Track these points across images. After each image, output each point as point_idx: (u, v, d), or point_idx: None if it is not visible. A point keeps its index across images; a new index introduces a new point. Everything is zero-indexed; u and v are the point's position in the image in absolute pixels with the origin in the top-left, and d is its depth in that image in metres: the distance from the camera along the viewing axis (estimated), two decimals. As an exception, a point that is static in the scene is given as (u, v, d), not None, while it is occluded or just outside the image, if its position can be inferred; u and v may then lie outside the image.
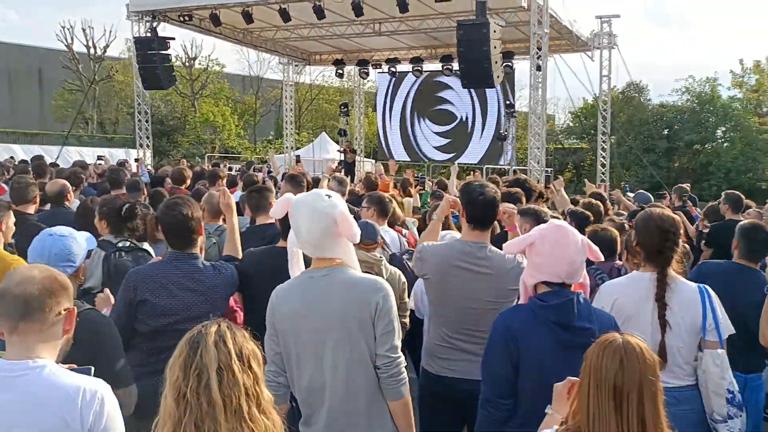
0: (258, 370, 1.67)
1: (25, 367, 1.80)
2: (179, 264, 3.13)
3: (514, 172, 16.40)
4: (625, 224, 5.28)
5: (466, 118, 23.20)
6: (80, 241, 2.74)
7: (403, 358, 2.50)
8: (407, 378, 2.51)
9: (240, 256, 3.54)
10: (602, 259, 2.69)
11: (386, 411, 2.51)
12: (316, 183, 7.71)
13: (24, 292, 1.83)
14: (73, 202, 5.41)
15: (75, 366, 2.12)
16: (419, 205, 8.11)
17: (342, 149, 21.38)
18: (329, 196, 2.47)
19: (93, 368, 2.10)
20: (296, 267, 2.63)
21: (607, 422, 1.74)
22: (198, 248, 3.26)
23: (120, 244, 3.88)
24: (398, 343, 2.49)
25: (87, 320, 2.49)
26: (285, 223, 3.27)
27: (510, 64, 18.85)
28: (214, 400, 1.56)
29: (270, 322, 2.54)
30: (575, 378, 1.98)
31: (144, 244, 4.14)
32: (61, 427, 1.76)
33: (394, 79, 23.58)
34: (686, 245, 6.06)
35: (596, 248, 2.57)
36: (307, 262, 2.63)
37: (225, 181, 7.43)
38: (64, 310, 1.92)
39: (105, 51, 39.36)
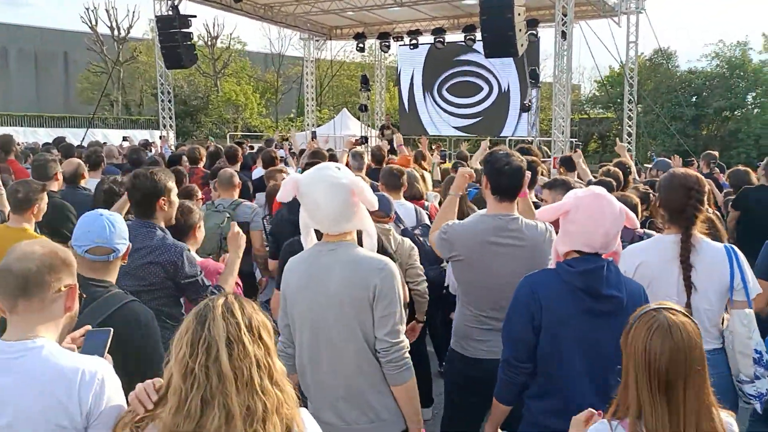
0: (269, 341, 1.62)
1: (23, 348, 1.75)
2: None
3: (538, 143, 16.18)
4: (650, 193, 5.17)
5: (489, 89, 22.86)
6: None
7: (406, 342, 2.44)
8: (410, 363, 2.44)
9: (229, 289, 3.39)
10: (638, 226, 2.63)
11: (385, 401, 2.46)
12: (332, 159, 7.70)
13: (23, 268, 1.78)
14: (89, 182, 5.45)
15: (90, 328, 2.05)
16: (440, 179, 8.03)
17: (381, 125, 20.95)
18: (338, 168, 2.42)
19: (112, 330, 2.01)
20: (309, 240, 2.60)
21: (661, 412, 1.62)
22: (161, 220, 3.23)
23: None
24: (400, 327, 2.42)
25: (128, 311, 2.45)
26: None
27: (534, 32, 18.43)
28: (224, 373, 1.52)
29: (282, 292, 2.56)
30: (594, 411, 1.87)
31: None
32: (58, 409, 1.71)
33: (415, 51, 23.28)
34: (716, 212, 5.93)
35: (633, 216, 2.49)
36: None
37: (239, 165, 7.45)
38: (65, 287, 1.86)
39: (128, 32, 39.61)
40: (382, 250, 3.09)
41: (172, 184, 3.29)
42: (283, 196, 2.48)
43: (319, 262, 2.45)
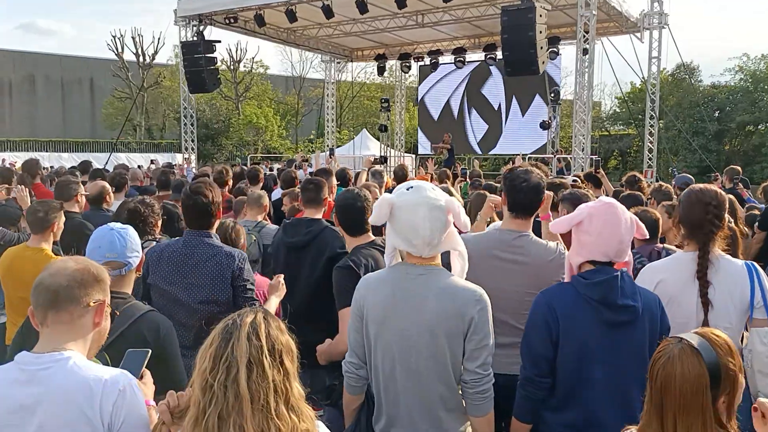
0: (290, 366, 1.63)
1: (50, 360, 1.80)
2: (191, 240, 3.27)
3: (558, 160, 16.08)
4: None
5: (509, 107, 22.89)
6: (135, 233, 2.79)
7: (492, 373, 2.40)
8: (493, 394, 2.41)
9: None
10: (647, 236, 2.64)
11: (459, 426, 2.43)
12: (342, 177, 7.73)
13: (54, 282, 1.85)
14: (113, 204, 5.51)
15: (131, 348, 2.11)
16: (460, 196, 8.02)
17: (436, 146, 20.55)
18: (433, 188, 2.37)
19: (150, 351, 2.07)
20: (393, 262, 2.51)
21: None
22: (214, 229, 3.37)
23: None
24: (490, 359, 2.38)
25: (148, 320, 2.55)
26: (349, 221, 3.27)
27: (555, 49, 18.42)
28: (241, 394, 1.54)
29: (357, 311, 2.47)
30: None
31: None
32: (82, 419, 1.76)
33: (435, 71, 23.43)
34: (740, 226, 5.80)
35: (643, 226, 2.51)
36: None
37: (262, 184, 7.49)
38: (94, 302, 1.90)
39: (154, 58, 40.43)
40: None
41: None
42: (377, 219, 2.38)
43: (408, 287, 2.37)
